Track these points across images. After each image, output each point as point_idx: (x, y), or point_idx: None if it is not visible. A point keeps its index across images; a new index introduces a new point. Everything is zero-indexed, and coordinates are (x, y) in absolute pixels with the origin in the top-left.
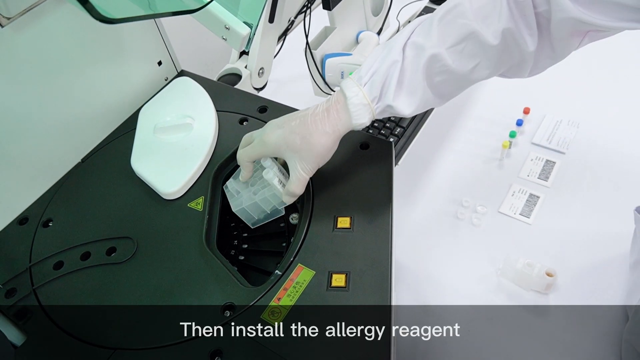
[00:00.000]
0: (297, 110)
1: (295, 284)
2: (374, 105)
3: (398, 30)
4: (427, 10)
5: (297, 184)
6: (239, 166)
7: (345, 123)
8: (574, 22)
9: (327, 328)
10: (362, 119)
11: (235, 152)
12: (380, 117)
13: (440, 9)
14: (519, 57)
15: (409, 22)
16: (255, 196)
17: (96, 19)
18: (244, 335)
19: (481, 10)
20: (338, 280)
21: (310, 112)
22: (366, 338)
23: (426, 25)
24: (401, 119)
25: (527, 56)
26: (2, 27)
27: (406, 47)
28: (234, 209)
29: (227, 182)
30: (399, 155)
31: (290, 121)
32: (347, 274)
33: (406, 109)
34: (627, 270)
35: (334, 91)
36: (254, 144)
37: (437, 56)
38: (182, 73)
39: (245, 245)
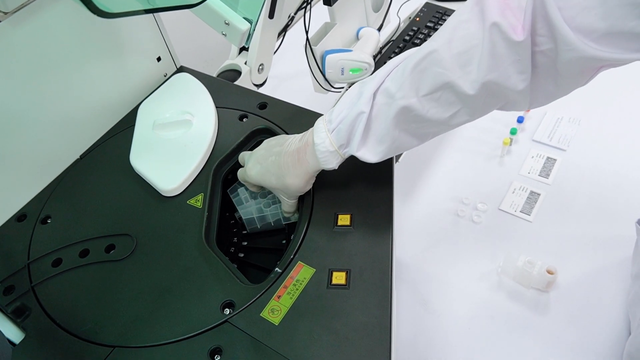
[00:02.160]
0: (296, 106)
1: (295, 282)
2: (342, 151)
3: (399, 27)
4: (427, 7)
5: (287, 207)
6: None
7: (314, 166)
8: (585, 60)
9: (327, 326)
10: (330, 164)
11: (235, 150)
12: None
13: (416, 54)
14: (507, 99)
15: (410, 18)
16: (267, 209)
17: (94, 13)
18: (244, 333)
19: (460, 58)
20: (338, 278)
21: (283, 151)
22: (366, 336)
23: (400, 70)
24: None
25: (517, 96)
26: (0, 22)
27: (377, 93)
28: (243, 217)
29: (237, 189)
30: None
31: (268, 157)
32: (347, 272)
33: (372, 157)
34: (627, 268)
35: (334, 87)
36: (244, 172)
37: (409, 107)
38: (181, 69)
39: (245, 243)
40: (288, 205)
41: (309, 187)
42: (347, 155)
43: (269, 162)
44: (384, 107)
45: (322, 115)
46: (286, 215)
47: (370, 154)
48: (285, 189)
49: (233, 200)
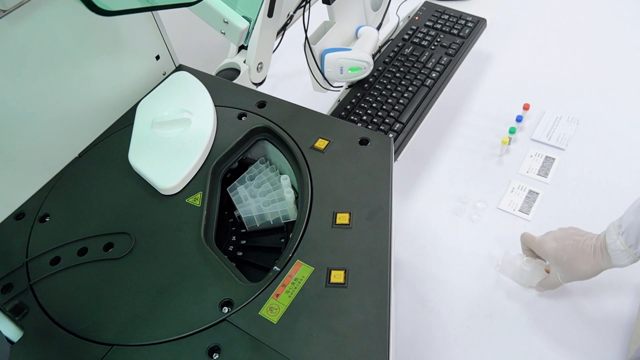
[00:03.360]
0: (295, 105)
1: (293, 280)
2: (633, 251)
3: (398, 26)
4: (427, 6)
5: (551, 285)
6: (240, 165)
7: (607, 262)
8: None
9: (326, 325)
10: (621, 262)
11: (233, 148)
12: None
13: None
14: None
15: (409, 17)
16: (266, 208)
17: (93, 10)
18: (242, 331)
19: None
20: (337, 276)
21: (582, 240)
22: (365, 334)
23: None
24: (401, 113)
25: None
26: None
27: None
28: (242, 215)
29: (237, 187)
30: (398, 151)
31: (566, 239)
32: (346, 270)
33: None
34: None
35: (332, 86)
36: (536, 240)
37: None
38: (180, 67)
39: (244, 241)
40: (554, 282)
41: (591, 277)
42: (637, 256)
43: (567, 244)
44: None
45: (322, 114)
46: (538, 285)
47: None
48: (571, 270)
49: (232, 198)
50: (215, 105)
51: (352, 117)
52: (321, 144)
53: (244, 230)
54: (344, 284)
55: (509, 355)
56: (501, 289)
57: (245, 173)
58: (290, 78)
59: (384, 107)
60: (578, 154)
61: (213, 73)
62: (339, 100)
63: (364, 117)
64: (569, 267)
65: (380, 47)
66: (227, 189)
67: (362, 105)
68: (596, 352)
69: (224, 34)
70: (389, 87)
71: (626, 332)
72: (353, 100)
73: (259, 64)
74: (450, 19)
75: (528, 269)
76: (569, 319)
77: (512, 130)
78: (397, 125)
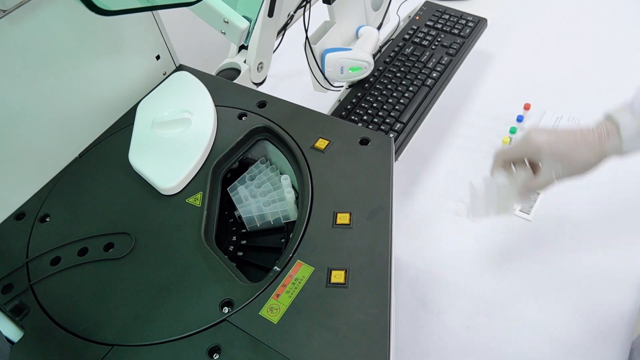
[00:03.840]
0: (295, 105)
1: (294, 281)
2: None
3: (398, 26)
4: (427, 6)
5: (542, 184)
6: (240, 165)
7: (613, 148)
8: None
9: (326, 325)
10: (632, 145)
11: (234, 148)
12: None
13: None
14: None
15: (409, 17)
16: (266, 208)
17: (93, 10)
18: (243, 331)
19: None
20: (337, 276)
21: (579, 129)
22: (365, 334)
23: None
24: (401, 113)
25: None
26: None
27: None
28: (242, 215)
29: (237, 187)
30: (398, 151)
31: (557, 130)
32: (346, 271)
33: None
34: (628, 266)
35: (333, 86)
36: (516, 143)
37: None
38: (180, 67)
39: (244, 241)
40: (548, 179)
41: (591, 170)
42: None
43: (561, 132)
44: None
45: (323, 114)
46: (520, 196)
47: None
48: (571, 161)
49: (233, 198)
50: (215, 105)
51: (353, 117)
52: (321, 143)
53: (244, 230)
54: (345, 284)
55: (509, 356)
56: (502, 289)
57: (245, 173)
58: (290, 78)
59: (385, 107)
60: None
61: (213, 73)
62: (339, 100)
63: (365, 117)
64: (570, 158)
65: (381, 47)
66: (228, 189)
67: (363, 105)
68: (597, 351)
69: (224, 33)
70: (389, 87)
71: (626, 331)
72: (353, 100)
73: (260, 63)
74: (451, 19)
75: (509, 181)
76: (570, 319)
77: (512, 130)
78: (398, 125)
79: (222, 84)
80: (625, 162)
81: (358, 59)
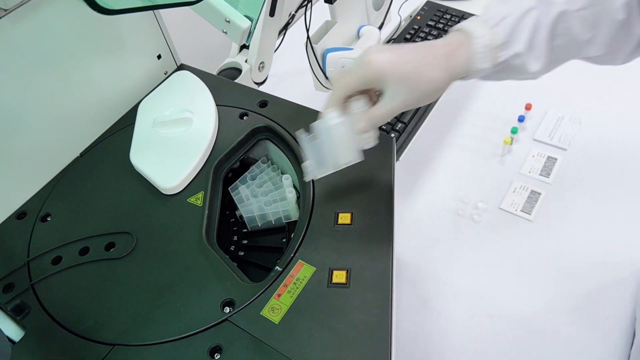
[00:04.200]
0: (297, 104)
1: (295, 281)
2: (500, 52)
3: (399, 25)
4: (428, 5)
5: (386, 113)
6: (241, 165)
7: (464, 64)
8: None
9: (327, 325)
10: (485, 63)
11: (235, 148)
12: (495, 74)
13: None
14: (625, 42)
15: (410, 17)
16: (268, 208)
17: (94, 9)
18: (244, 331)
19: None
20: (339, 276)
21: (423, 44)
22: (366, 335)
23: None
24: (402, 114)
25: (633, 39)
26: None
27: None
28: (244, 215)
29: (239, 186)
30: (400, 151)
31: (399, 47)
32: (347, 271)
33: (534, 63)
34: (629, 267)
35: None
36: (352, 68)
37: (565, 14)
38: (181, 67)
39: (245, 241)
40: (391, 107)
41: (439, 95)
42: (500, 59)
43: (404, 50)
44: (545, 10)
45: (319, 112)
46: (362, 128)
47: (533, 58)
48: (418, 84)
49: (234, 198)
50: (216, 105)
51: None
52: None
53: (245, 230)
54: (346, 284)
55: (510, 355)
56: (503, 289)
57: (246, 173)
58: (291, 77)
59: None
60: (580, 154)
61: (214, 72)
62: None
63: None
64: (415, 80)
65: None
66: (229, 188)
67: None
68: (597, 351)
69: (225, 33)
70: None
71: (627, 331)
72: None
73: (261, 63)
74: (452, 19)
75: (357, 109)
76: (571, 319)
77: (514, 130)
78: (399, 125)
79: (224, 84)
80: (628, 164)
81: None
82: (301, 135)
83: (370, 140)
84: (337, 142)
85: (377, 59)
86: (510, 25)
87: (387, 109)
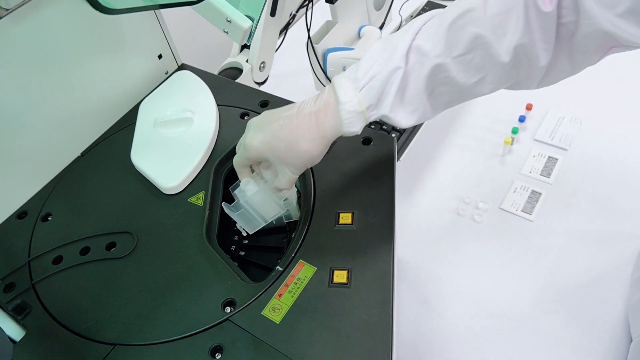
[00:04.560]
0: None
1: (296, 280)
2: (369, 113)
3: (400, 25)
4: (429, 5)
5: (286, 184)
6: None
7: (334, 129)
8: (603, 35)
9: (328, 325)
10: (354, 127)
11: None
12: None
13: (450, 12)
14: (527, 73)
15: (412, 17)
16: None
17: (96, 9)
18: (245, 331)
19: (496, 19)
20: (340, 276)
21: (295, 113)
22: (367, 334)
23: (434, 28)
24: None
25: (536, 71)
26: (1, 18)
27: (410, 51)
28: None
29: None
30: (400, 151)
31: (272, 122)
32: (348, 271)
33: (404, 120)
34: (629, 268)
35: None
36: (239, 150)
37: (442, 66)
38: (182, 67)
39: (246, 241)
40: (287, 179)
41: (321, 157)
42: (372, 119)
43: (276, 127)
44: (417, 65)
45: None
46: (281, 190)
47: (402, 116)
48: (295, 158)
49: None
50: (217, 105)
51: None
52: None
53: None
54: (347, 284)
55: (511, 355)
56: (504, 289)
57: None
58: (292, 77)
59: None
60: (581, 154)
61: (215, 72)
62: None
63: None
64: (291, 157)
65: None
66: (230, 188)
67: None
68: (598, 352)
69: (226, 32)
70: None
71: (628, 332)
72: None
73: (262, 63)
74: None
75: (258, 185)
76: (571, 319)
77: (514, 131)
78: None
79: (224, 84)
80: (629, 164)
81: (360, 58)
82: (225, 206)
83: (287, 191)
84: (258, 206)
85: (251, 144)
86: (376, 87)
87: (285, 180)
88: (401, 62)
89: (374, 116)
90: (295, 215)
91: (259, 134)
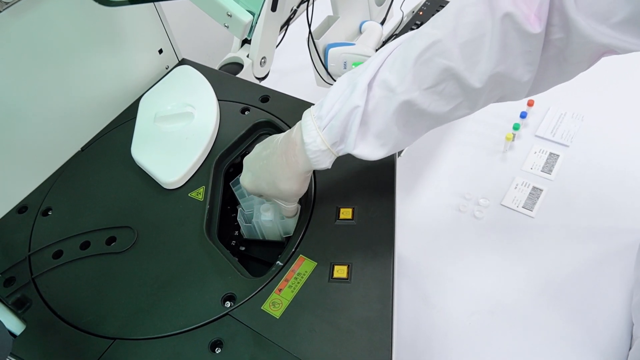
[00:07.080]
0: (298, 99)
1: (296, 275)
2: (335, 149)
3: (402, 21)
4: (431, 1)
5: (287, 213)
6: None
7: (305, 167)
8: (596, 47)
9: (328, 320)
10: (322, 164)
11: (236, 142)
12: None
13: (415, 44)
14: (511, 89)
15: (413, 12)
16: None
17: (96, 1)
18: (245, 326)
19: (466, 47)
20: (340, 271)
21: (271, 152)
22: (368, 329)
23: (399, 60)
24: None
25: (520, 87)
26: (0, 12)
27: (374, 85)
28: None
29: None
30: None
31: (256, 163)
32: (349, 266)
33: (372, 154)
34: (630, 265)
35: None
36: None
37: (411, 102)
38: (183, 61)
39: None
40: (287, 210)
41: (305, 189)
42: (341, 154)
43: (258, 168)
44: (384, 100)
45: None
46: (288, 218)
47: (369, 150)
48: (279, 194)
49: (235, 193)
50: (218, 100)
51: None
52: None
53: None
54: (347, 279)
55: (511, 352)
56: (504, 286)
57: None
58: (293, 73)
59: None
60: (582, 150)
61: (216, 67)
62: None
63: None
64: (275, 195)
65: (384, 42)
66: (230, 183)
67: None
68: (599, 350)
69: (227, 27)
70: None
71: (629, 330)
72: None
73: (262, 58)
74: None
75: (272, 209)
76: (572, 316)
77: (516, 127)
78: None
79: (225, 79)
80: (630, 160)
81: (361, 54)
82: (240, 212)
83: (295, 217)
84: (265, 229)
85: (244, 183)
86: (336, 127)
87: (285, 212)
88: (360, 100)
89: (342, 151)
90: (292, 230)
91: (248, 174)
